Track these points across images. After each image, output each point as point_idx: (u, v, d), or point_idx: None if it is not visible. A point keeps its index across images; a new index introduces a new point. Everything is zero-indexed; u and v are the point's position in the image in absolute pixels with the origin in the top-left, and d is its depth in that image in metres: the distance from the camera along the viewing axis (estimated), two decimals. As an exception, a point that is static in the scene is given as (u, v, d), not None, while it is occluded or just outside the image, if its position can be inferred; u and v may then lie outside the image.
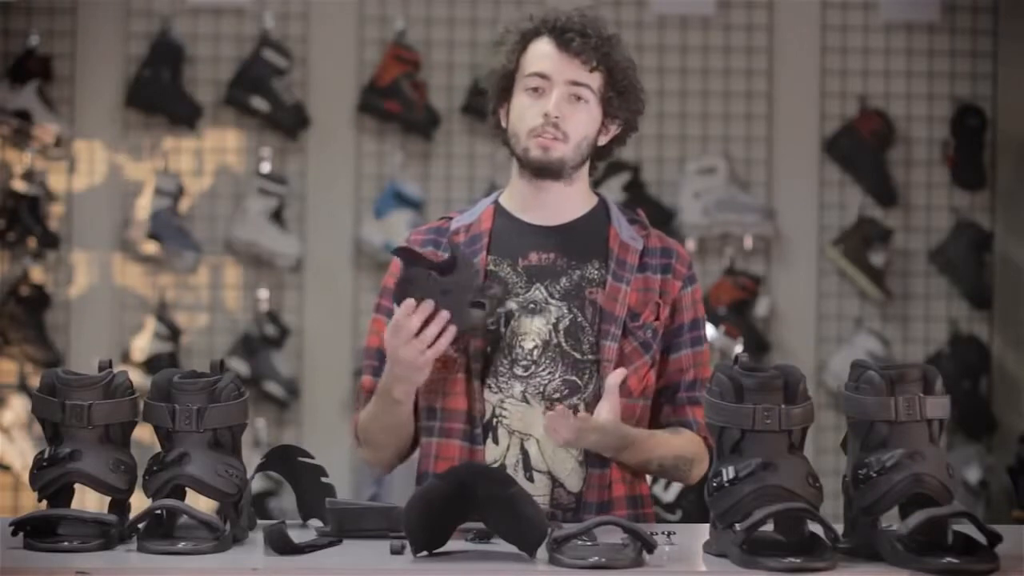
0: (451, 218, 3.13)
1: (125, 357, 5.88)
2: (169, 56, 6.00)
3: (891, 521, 2.54)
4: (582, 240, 3.04)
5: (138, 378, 5.44)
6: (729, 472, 2.52)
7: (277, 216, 6.00)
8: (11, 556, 2.51)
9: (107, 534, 2.59)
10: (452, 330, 2.90)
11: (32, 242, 5.94)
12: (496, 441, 2.99)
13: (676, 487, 5.35)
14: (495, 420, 2.99)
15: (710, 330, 5.53)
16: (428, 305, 2.88)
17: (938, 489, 2.50)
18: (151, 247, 5.98)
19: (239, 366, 5.86)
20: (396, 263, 3.08)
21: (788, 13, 6.16)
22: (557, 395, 2.96)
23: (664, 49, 6.10)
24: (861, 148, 6.12)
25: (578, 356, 2.98)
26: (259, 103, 6.01)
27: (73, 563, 2.46)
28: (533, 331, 2.99)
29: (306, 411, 6.05)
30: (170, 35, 6.02)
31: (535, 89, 3.00)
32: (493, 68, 3.08)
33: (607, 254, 3.03)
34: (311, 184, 6.11)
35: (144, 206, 5.96)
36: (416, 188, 5.96)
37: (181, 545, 2.55)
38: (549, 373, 2.98)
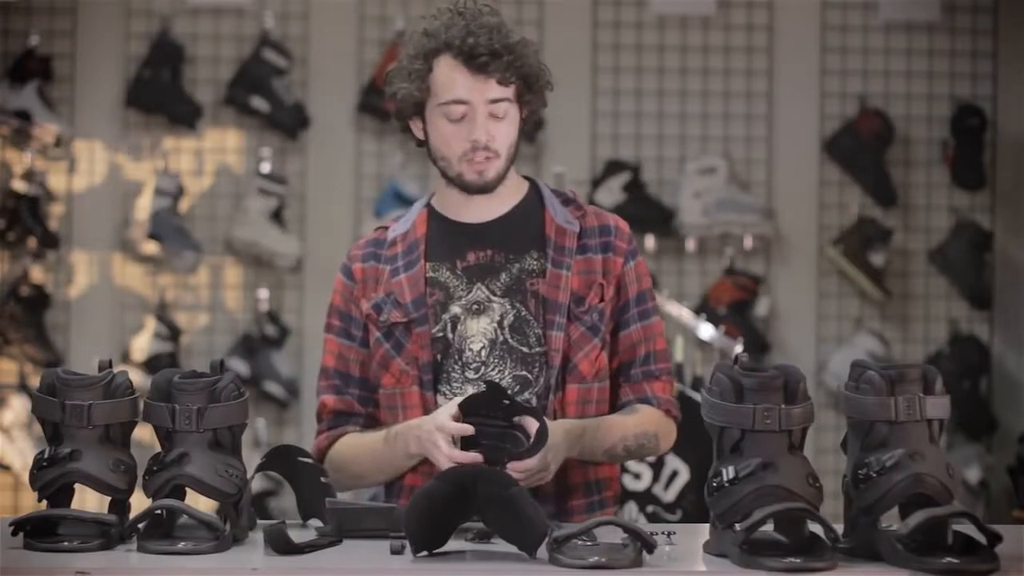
0: (387, 228, 3.11)
1: (125, 357, 5.88)
2: (169, 56, 6.01)
3: (891, 521, 2.53)
4: (517, 232, 3.02)
5: (138, 378, 5.44)
6: (729, 472, 2.52)
7: (277, 216, 6.00)
8: (11, 556, 2.51)
9: (107, 534, 2.59)
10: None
11: (32, 242, 5.94)
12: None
13: (676, 487, 5.34)
14: None
15: (709, 330, 5.53)
16: (476, 459, 2.82)
17: (938, 489, 2.50)
18: (151, 247, 5.98)
19: (239, 366, 5.86)
20: (340, 280, 3.09)
21: (788, 13, 6.16)
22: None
23: (664, 49, 6.09)
24: (861, 148, 6.12)
25: (526, 350, 2.97)
26: (259, 103, 6.01)
27: (73, 563, 2.46)
28: (479, 332, 2.98)
29: (306, 411, 6.04)
30: (170, 35, 6.03)
31: (455, 114, 2.95)
32: (400, 94, 2.98)
33: (544, 242, 3.00)
34: (311, 184, 6.11)
35: (144, 206, 5.97)
36: (416, 188, 5.95)
37: (181, 545, 2.55)
38: (499, 371, 2.96)
